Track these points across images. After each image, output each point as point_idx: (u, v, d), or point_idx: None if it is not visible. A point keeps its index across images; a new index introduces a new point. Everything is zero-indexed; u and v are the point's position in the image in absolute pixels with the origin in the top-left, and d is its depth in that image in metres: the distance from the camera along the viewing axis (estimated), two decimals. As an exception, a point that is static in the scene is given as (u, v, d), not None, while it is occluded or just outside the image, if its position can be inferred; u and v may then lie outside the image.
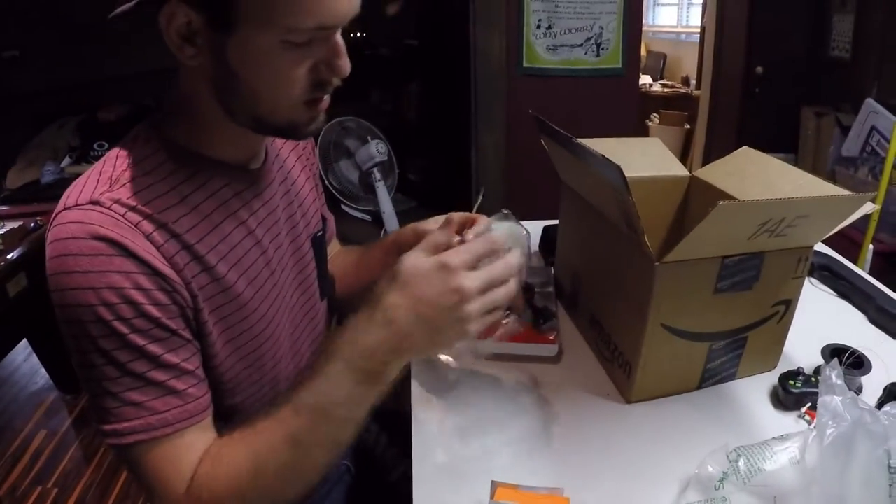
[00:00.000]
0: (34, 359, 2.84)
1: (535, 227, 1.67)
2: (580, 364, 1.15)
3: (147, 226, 0.74)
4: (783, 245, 0.96)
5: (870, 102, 3.13)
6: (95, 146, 3.65)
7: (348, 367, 0.75)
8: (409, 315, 0.73)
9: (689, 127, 5.71)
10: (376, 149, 3.20)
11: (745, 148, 1.26)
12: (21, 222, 2.34)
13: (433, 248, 0.77)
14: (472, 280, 0.73)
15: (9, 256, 2.10)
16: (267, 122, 0.79)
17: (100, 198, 0.73)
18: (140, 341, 0.73)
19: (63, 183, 3.50)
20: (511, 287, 0.77)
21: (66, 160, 3.65)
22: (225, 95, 0.78)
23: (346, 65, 0.77)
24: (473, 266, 0.74)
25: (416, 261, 0.75)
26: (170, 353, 0.75)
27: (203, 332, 0.81)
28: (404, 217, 3.27)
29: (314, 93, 0.78)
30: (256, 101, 0.77)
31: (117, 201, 0.73)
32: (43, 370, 2.82)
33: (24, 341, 2.71)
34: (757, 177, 1.15)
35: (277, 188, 0.96)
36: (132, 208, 0.74)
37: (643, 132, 5.63)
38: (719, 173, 1.23)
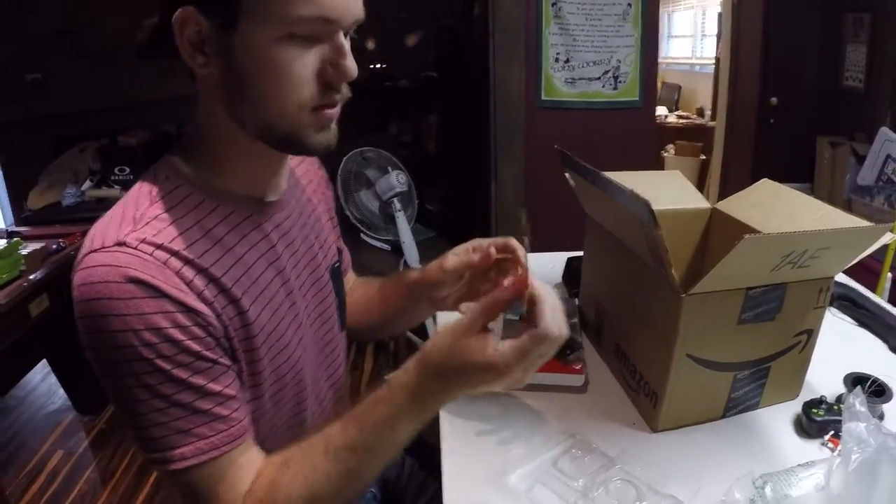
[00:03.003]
0: (52, 378, 2.87)
1: (557, 259, 1.70)
2: (606, 394, 1.18)
3: (175, 263, 0.75)
4: (805, 276, 0.99)
5: (884, 131, 3.15)
6: (116, 171, 3.71)
7: (408, 413, 0.80)
8: (472, 377, 0.79)
9: (704, 157, 5.73)
10: (396, 179, 3.24)
11: (765, 180, 1.29)
12: (43, 244, 2.39)
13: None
14: (515, 371, 0.79)
15: (31, 277, 2.13)
16: (276, 129, 0.79)
17: (126, 238, 0.74)
18: (183, 375, 0.74)
19: (84, 206, 3.56)
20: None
21: (87, 183, 3.71)
22: (235, 103, 0.78)
23: (351, 66, 0.77)
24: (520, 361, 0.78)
25: (467, 355, 0.78)
26: (212, 382, 0.77)
27: (234, 359, 0.82)
28: (423, 247, 3.30)
29: (322, 98, 0.78)
30: (264, 103, 0.77)
31: (143, 240, 0.74)
32: (61, 390, 2.84)
33: (43, 361, 2.74)
34: (778, 209, 1.18)
35: (296, 220, 0.98)
36: (159, 246, 0.75)
37: (659, 163, 5.66)
38: (741, 205, 1.26)
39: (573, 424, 1.07)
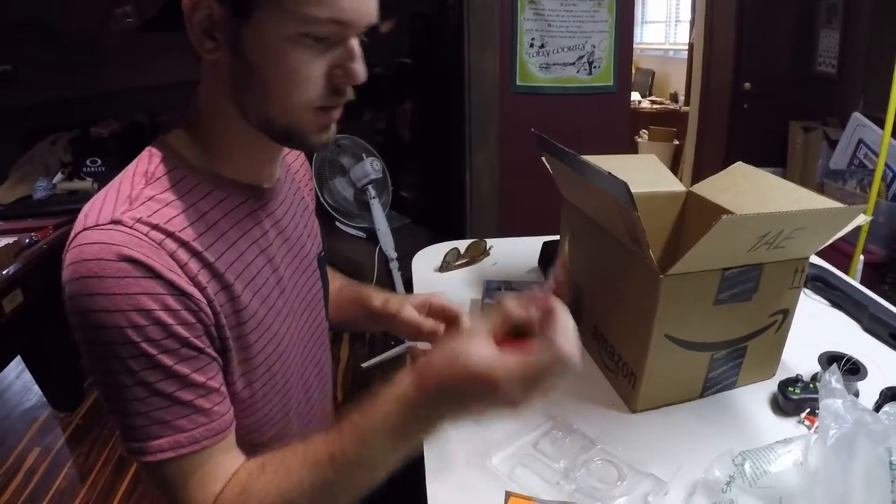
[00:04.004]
0: (27, 375, 2.83)
1: (532, 243, 1.71)
2: (584, 376, 1.18)
3: (170, 244, 0.74)
4: (781, 257, 1.00)
5: (857, 116, 3.19)
6: (88, 162, 3.66)
7: (398, 431, 0.72)
8: (475, 396, 0.69)
9: (677, 143, 5.77)
10: (371, 166, 3.23)
11: (739, 163, 1.30)
12: (16, 238, 2.33)
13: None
14: (514, 389, 0.68)
15: (4, 272, 2.09)
16: (278, 124, 0.78)
17: (121, 217, 0.72)
18: (168, 361, 0.72)
19: (56, 199, 3.51)
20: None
21: (59, 176, 3.65)
22: (240, 92, 0.77)
23: (361, 70, 0.77)
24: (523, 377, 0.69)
25: (465, 359, 0.68)
26: (196, 372, 0.75)
27: (224, 348, 0.81)
28: (398, 234, 3.29)
29: (328, 99, 0.77)
30: (269, 98, 0.76)
31: (139, 220, 0.73)
32: (36, 387, 2.80)
33: (17, 358, 2.70)
34: (752, 191, 1.19)
35: (288, 208, 0.97)
36: (154, 227, 0.73)
37: (633, 149, 5.69)
38: (715, 188, 1.27)
39: (552, 406, 1.07)
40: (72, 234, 0.73)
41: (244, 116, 0.79)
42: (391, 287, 3.06)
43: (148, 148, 0.82)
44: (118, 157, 3.72)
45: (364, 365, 2.98)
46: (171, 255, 0.73)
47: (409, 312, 1.07)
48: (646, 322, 0.99)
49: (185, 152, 0.82)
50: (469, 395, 0.69)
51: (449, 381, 0.69)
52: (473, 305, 1.43)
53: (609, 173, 0.91)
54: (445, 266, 1.66)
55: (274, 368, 0.89)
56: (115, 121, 3.82)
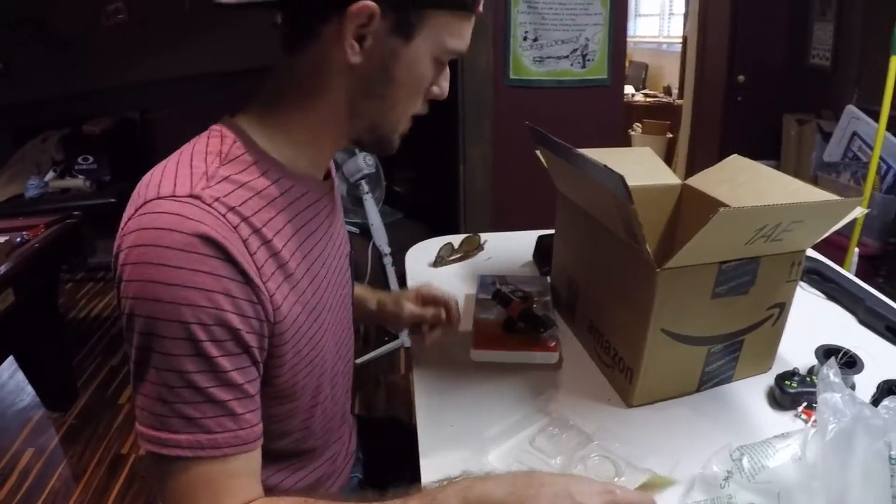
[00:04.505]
0: (20, 375, 2.80)
1: (527, 237, 1.70)
2: (580, 371, 1.18)
3: (245, 229, 0.73)
4: (778, 250, 0.99)
5: (851, 109, 3.19)
6: (80, 160, 3.65)
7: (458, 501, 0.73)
8: (548, 499, 0.72)
9: (671, 136, 5.78)
10: (364, 161, 3.20)
11: (735, 156, 1.29)
12: (7, 237, 2.30)
13: None
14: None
15: (-5, 271, 2.07)
16: (384, 129, 0.85)
17: (201, 193, 0.71)
18: (214, 352, 0.70)
19: (48, 197, 3.51)
20: None
21: (50, 174, 3.64)
22: (366, 96, 0.81)
23: (447, 86, 0.87)
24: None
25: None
26: (237, 371, 0.72)
27: (275, 344, 0.79)
28: (392, 229, 3.28)
29: (421, 108, 0.87)
30: (393, 107, 0.83)
31: (217, 199, 0.71)
32: (29, 387, 2.77)
33: (10, 358, 2.68)
34: (748, 184, 1.18)
35: (335, 206, 0.98)
36: (231, 209, 0.72)
37: (626, 142, 5.69)
38: (711, 181, 1.26)
39: (549, 402, 1.07)
40: (139, 201, 0.72)
41: (350, 121, 0.83)
42: (384, 282, 3.04)
43: (215, 128, 0.81)
44: (110, 155, 3.71)
45: (357, 361, 2.97)
46: (244, 242, 0.72)
47: (410, 309, 1.20)
48: (642, 316, 0.98)
49: (256, 138, 0.81)
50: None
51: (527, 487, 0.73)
52: (468, 300, 1.42)
53: (605, 166, 0.90)
54: (439, 261, 1.66)
55: (315, 361, 0.88)
56: (108, 118, 3.81)
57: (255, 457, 0.76)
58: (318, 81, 0.80)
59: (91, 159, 3.68)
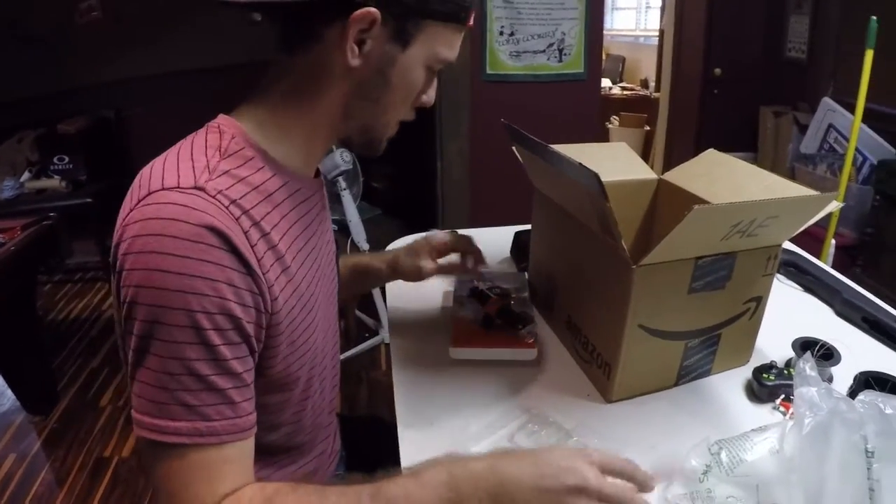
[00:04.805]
0: (-1, 380, 2.79)
1: (504, 233, 1.70)
2: (559, 367, 1.18)
3: (246, 222, 0.75)
4: (754, 244, 1.00)
5: (827, 101, 3.22)
6: (55, 160, 3.62)
7: (446, 483, 0.73)
8: (526, 477, 0.73)
9: (648, 128, 5.81)
10: (341, 157, 3.18)
11: (710, 150, 1.30)
12: (-18, 239, 2.28)
13: None
14: (598, 480, 0.73)
15: (-27, 274, 2.05)
16: (375, 131, 0.90)
17: (205, 185, 0.73)
18: (216, 340, 0.71)
19: (24, 198, 3.47)
20: None
21: (26, 175, 3.60)
22: (361, 98, 0.85)
23: (434, 95, 0.92)
24: (609, 472, 0.75)
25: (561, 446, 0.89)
26: (237, 360, 0.74)
27: (271, 335, 0.80)
28: (370, 225, 3.27)
29: (409, 115, 0.92)
30: (386, 110, 0.87)
31: (220, 192, 0.73)
32: (9, 391, 2.74)
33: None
34: (725, 179, 1.19)
35: (324, 204, 1.01)
36: (233, 201, 0.74)
37: (604, 135, 5.71)
38: (687, 176, 1.27)
39: (528, 398, 1.08)
40: (141, 192, 0.73)
41: (344, 121, 0.87)
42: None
43: (214, 123, 0.83)
44: (86, 155, 3.67)
45: (340, 357, 2.96)
46: (246, 233, 0.75)
47: (430, 266, 1.28)
48: (619, 312, 0.98)
49: (253, 135, 0.83)
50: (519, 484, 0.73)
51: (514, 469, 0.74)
52: (446, 297, 1.42)
53: (580, 164, 0.90)
54: (419, 258, 1.65)
55: (307, 354, 0.90)
56: (83, 117, 3.76)
57: (249, 444, 0.77)
58: (318, 82, 0.83)
59: (67, 159, 3.64)
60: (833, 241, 2.51)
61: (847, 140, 2.93)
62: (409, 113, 0.91)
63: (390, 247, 1.74)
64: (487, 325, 1.23)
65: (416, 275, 1.28)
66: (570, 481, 0.72)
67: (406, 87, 0.86)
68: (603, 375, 1.07)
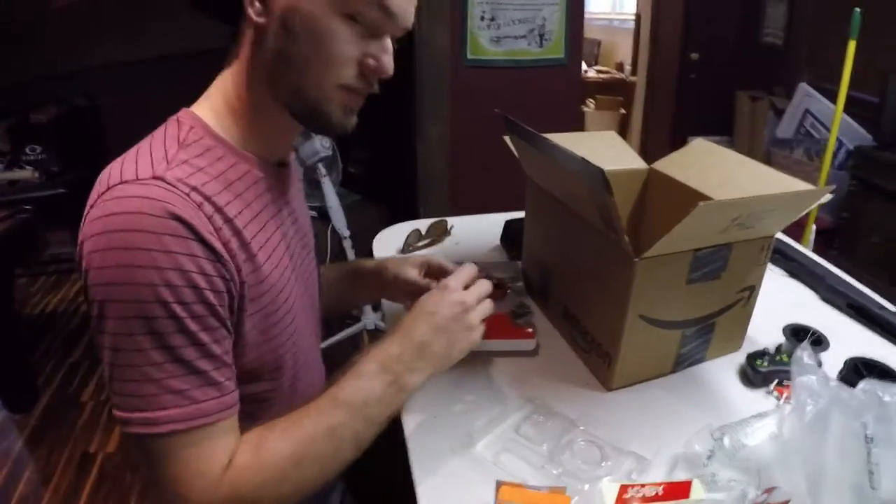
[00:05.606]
0: (-24, 378, 2.74)
1: (494, 220, 1.71)
2: (556, 356, 1.19)
3: (208, 208, 0.75)
4: (749, 236, 1.02)
5: (804, 87, 3.27)
6: (27, 150, 3.55)
7: (381, 369, 0.86)
8: (426, 327, 0.90)
9: (624, 112, 5.84)
10: (320, 144, 3.16)
11: (699, 139, 1.32)
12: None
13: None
14: (468, 295, 0.93)
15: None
16: (306, 98, 0.82)
17: (163, 175, 0.72)
18: (194, 327, 0.72)
19: (-6, 189, 3.40)
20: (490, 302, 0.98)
21: (-3, 165, 3.53)
22: (277, 62, 0.80)
23: (390, 64, 0.83)
24: (466, 287, 0.95)
25: (427, 293, 0.95)
26: (215, 343, 0.75)
27: (240, 321, 0.81)
28: (349, 211, 3.26)
29: (355, 81, 0.82)
30: (306, 71, 0.80)
31: (180, 180, 0.73)
32: (-12, 390, 2.71)
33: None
34: (714, 168, 1.21)
35: (297, 193, 1.01)
36: (193, 188, 0.74)
37: (580, 118, 5.73)
38: (677, 165, 1.29)
39: (529, 389, 1.09)
40: (102, 188, 0.72)
41: (273, 90, 0.82)
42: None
43: (174, 117, 0.84)
44: (59, 144, 3.61)
45: (322, 345, 2.96)
46: (209, 219, 0.74)
47: (409, 273, 1.19)
48: (620, 304, 1.00)
49: (210, 123, 0.83)
50: (420, 329, 0.90)
51: (408, 325, 0.90)
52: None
53: (583, 159, 0.91)
54: (408, 248, 1.66)
55: (286, 346, 0.91)
56: (56, 106, 3.70)
57: (235, 417, 0.80)
58: (243, 54, 0.83)
59: (39, 149, 3.57)
60: (814, 227, 2.55)
61: (823, 125, 2.99)
62: (351, 79, 0.82)
63: (378, 238, 1.75)
64: None
65: (393, 288, 1.21)
66: (455, 310, 0.92)
67: (319, 41, 0.78)
68: (603, 364, 1.09)
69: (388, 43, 0.84)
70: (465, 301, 0.93)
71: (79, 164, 3.64)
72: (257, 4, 0.77)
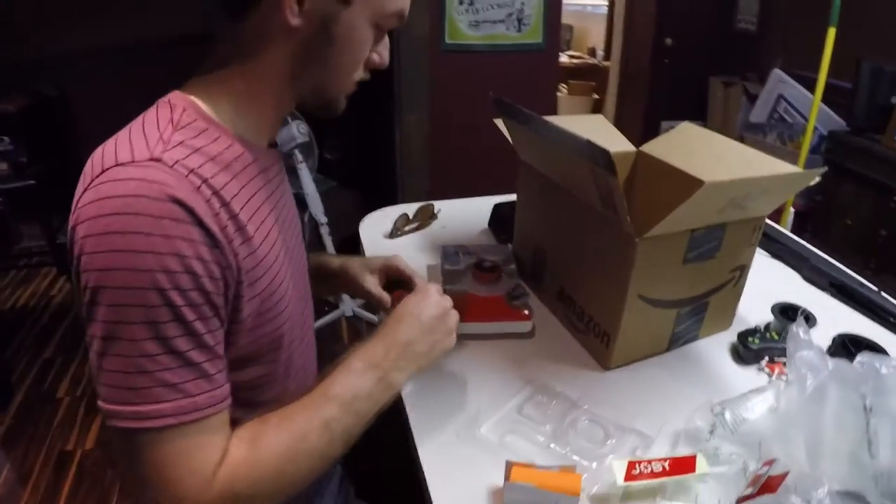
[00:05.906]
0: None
1: (481, 203, 1.73)
2: (552, 337, 1.21)
3: (206, 190, 0.73)
4: (742, 216, 1.05)
5: (778, 73, 3.31)
6: (-6, 140, 3.48)
7: (369, 366, 0.88)
8: (410, 328, 0.93)
9: (597, 97, 5.87)
10: (297, 130, 3.14)
11: (687, 123, 1.34)
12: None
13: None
14: (446, 300, 0.98)
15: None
16: (329, 92, 0.88)
17: (161, 156, 0.70)
18: (190, 316, 0.70)
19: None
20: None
21: (-36, 156, 3.45)
22: (308, 62, 0.83)
23: (388, 55, 0.91)
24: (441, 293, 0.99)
25: (408, 296, 0.98)
26: (209, 333, 0.73)
27: (238, 307, 0.79)
28: (326, 197, 3.24)
29: (364, 75, 0.90)
30: (336, 71, 0.85)
31: (178, 161, 0.71)
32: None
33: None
34: (704, 151, 1.22)
35: (284, 177, 0.99)
36: (192, 171, 0.72)
37: (553, 103, 5.75)
38: (665, 148, 1.30)
39: (528, 370, 1.10)
40: (95, 170, 0.70)
41: (295, 85, 0.85)
42: (322, 251, 3.03)
43: (164, 99, 0.81)
44: (27, 135, 3.53)
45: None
46: (207, 202, 0.72)
47: (370, 285, 1.17)
48: (620, 284, 1.02)
49: (204, 107, 0.81)
50: (404, 329, 0.93)
51: (392, 326, 0.93)
52: (431, 271, 1.43)
53: (588, 140, 0.93)
54: (395, 232, 1.66)
55: (284, 328, 0.89)
56: (23, 95, 3.61)
57: (226, 413, 0.78)
58: (261, 46, 0.81)
59: (7, 140, 3.49)
60: (792, 210, 2.60)
61: (797, 110, 3.04)
62: (361, 73, 0.90)
63: (364, 222, 1.74)
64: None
65: (354, 288, 1.19)
66: (437, 311, 0.96)
67: (353, 46, 0.84)
68: (601, 344, 1.10)
69: (387, 38, 0.90)
70: (444, 305, 0.97)
71: (48, 155, 3.57)
72: (296, 7, 0.77)
